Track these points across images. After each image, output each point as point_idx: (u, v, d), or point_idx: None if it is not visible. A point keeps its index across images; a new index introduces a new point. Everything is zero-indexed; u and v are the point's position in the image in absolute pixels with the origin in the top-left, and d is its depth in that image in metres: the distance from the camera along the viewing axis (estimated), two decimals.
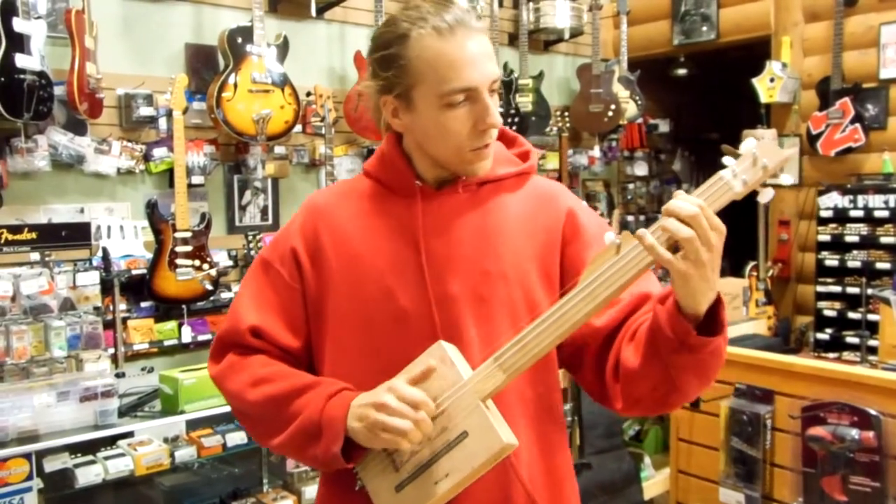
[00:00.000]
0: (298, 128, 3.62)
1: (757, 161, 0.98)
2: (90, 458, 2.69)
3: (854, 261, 4.23)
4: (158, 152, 3.29)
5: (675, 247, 1.01)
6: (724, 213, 1.02)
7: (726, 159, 1.01)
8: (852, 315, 4.22)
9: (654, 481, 3.69)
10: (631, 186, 5.62)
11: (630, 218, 5.47)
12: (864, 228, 4.20)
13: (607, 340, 1.22)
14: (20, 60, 2.69)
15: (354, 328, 1.24)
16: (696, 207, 0.99)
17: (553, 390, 1.27)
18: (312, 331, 1.30)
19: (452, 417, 1.11)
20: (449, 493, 1.11)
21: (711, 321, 1.07)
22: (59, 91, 2.88)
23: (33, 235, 2.75)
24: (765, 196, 1.01)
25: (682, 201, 1.00)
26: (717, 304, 1.07)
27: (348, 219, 1.29)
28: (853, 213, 4.23)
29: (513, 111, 4.45)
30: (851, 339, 4.19)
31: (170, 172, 3.29)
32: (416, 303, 1.21)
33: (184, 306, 3.27)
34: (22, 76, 2.69)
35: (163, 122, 3.30)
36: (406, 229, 1.25)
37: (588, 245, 1.26)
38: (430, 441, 1.12)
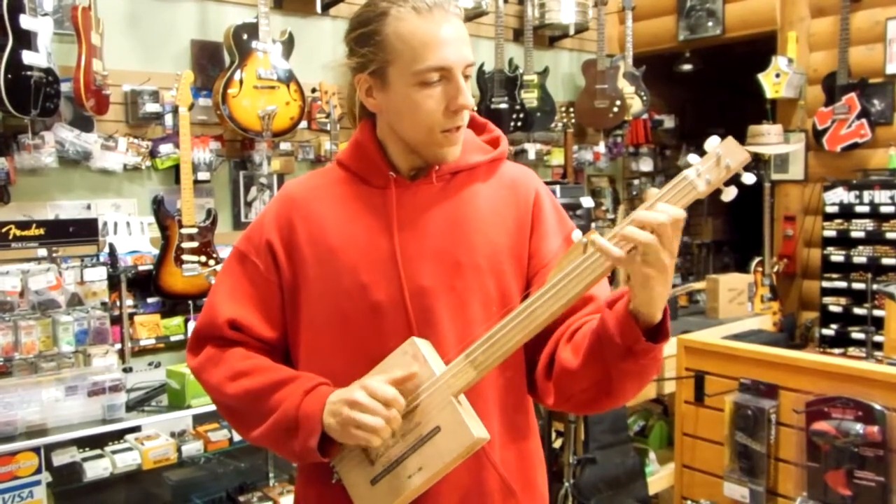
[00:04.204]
0: (304, 124, 3.63)
1: (720, 160, 1.00)
2: (98, 452, 2.71)
3: (860, 256, 4.22)
4: (164, 148, 3.30)
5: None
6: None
7: (691, 157, 1.03)
8: (858, 311, 4.22)
9: (659, 476, 3.69)
10: (636, 182, 5.61)
11: None
12: (869, 224, 4.19)
13: (542, 335, 1.22)
14: (27, 57, 2.70)
15: (329, 320, 1.25)
16: (664, 216, 1.00)
17: (520, 373, 1.29)
18: (288, 322, 1.30)
19: (426, 413, 1.14)
20: (422, 487, 1.14)
21: (657, 329, 1.09)
22: (65, 88, 2.89)
23: (41, 231, 2.77)
24: (728, 195, 1.03)
25: (649, 211, 1.01)
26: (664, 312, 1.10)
27: (323, 211, 1.29)
28: (859, 209, 4.23)
29: (518, 107, 4.43)
30: (857, 335, 4.19)
31: (176, 169, 3.31)
32: (391, 296, 1.22)
33: (190, 302, 3.29)
34: (29, 73, 2.71)
35: (169, 119, 3.31)
36: (380, 221, 1.25)
37: (545, 236, 1.29)
38: (403, 436, 1.15)
